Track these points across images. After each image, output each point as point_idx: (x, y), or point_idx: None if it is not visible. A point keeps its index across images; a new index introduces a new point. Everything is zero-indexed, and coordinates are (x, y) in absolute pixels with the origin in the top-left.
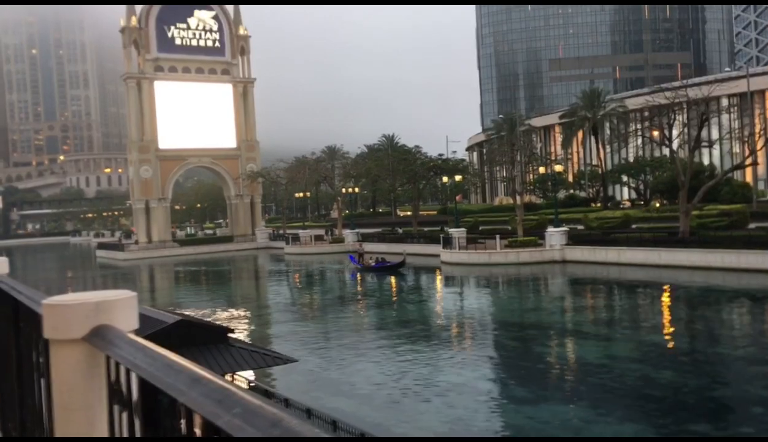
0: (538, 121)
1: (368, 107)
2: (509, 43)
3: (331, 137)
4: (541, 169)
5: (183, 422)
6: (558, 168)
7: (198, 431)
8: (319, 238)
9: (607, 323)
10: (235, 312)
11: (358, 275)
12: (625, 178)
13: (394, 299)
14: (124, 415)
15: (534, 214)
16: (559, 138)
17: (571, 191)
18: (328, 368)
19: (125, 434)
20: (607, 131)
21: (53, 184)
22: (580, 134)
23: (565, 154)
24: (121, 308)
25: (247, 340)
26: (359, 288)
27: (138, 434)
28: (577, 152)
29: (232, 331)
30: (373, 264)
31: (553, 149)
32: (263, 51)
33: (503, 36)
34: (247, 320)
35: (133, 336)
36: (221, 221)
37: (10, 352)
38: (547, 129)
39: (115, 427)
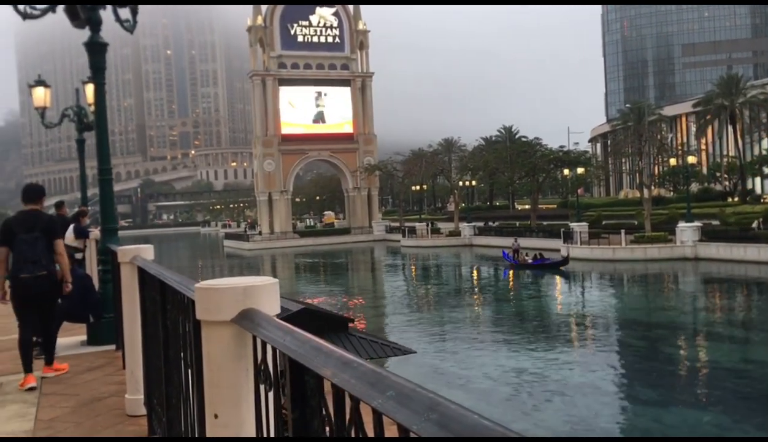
0: (668, 110)
1: (484, 100)
2: (638, 28)
3: (446, 130)
4: (672, 161)
5: (330, 403)
6: (691, 159)
7: (347, 413)
8: (435, 231)
9: (744, 325)
10: (354, 302)
11: (511, 272)
12: (766, 170)
13: (512, 293)
14: (270, 394)
15: (663, 209)
16: (692, 128)
17: (705, 184)
18: (445, 360)
19: (271, 412)
20: (747, 120)
21: (185, 177)
22: (716, 123)
23: (698, 145)
24: (265, 293)
25: (367, 330)
26: (475, 282)
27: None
28: (713, 143)
29: (352, 321)
30: (530, 261)
31: (685, 140)
32: (380, 45)
33: (631, 20)
34: (366, 311)
35: (278, 320)
36: (324, 212)
37: (157, 332)
38: (679, 118)
39: (261, 404)
